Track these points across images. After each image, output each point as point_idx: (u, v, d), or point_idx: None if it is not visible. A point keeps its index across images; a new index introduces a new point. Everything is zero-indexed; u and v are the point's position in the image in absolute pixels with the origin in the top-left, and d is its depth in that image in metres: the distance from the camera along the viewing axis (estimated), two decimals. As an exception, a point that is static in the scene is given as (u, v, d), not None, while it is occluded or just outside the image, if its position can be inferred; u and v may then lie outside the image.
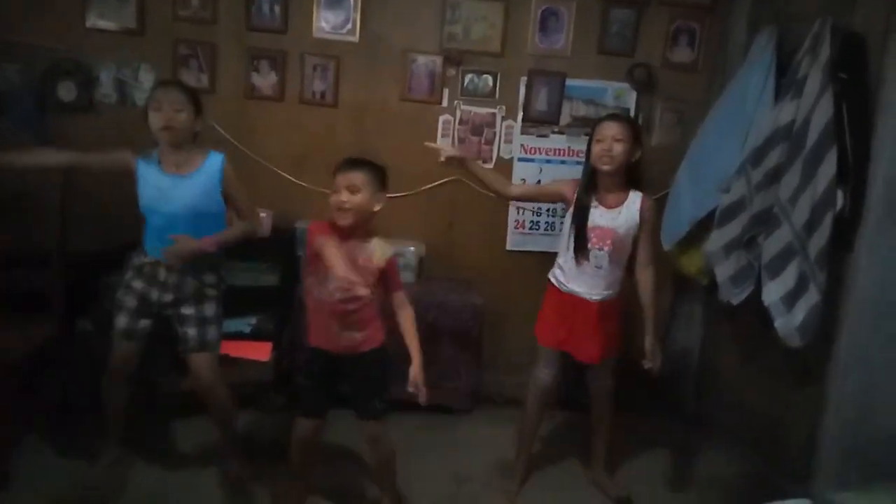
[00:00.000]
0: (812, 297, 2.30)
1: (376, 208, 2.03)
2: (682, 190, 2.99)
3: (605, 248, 2.35)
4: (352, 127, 3.19)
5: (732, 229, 2.65)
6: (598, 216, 2.36)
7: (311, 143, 3.17)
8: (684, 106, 3.28)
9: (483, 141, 3.28)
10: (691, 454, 2.95)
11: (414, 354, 2.04)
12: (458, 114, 3.24)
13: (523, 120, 3.27)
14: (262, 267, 2.97)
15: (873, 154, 2.21)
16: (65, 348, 2.65)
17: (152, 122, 2.19)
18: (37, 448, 2.49)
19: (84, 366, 2.58)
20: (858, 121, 2.27)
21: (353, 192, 1.97)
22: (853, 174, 2.25)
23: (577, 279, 2.40)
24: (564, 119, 3.27)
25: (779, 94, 2.58)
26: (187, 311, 2.28)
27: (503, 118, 3.27)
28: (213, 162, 2.27)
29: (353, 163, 2.02)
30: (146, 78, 3.02)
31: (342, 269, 1.85)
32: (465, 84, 3.22)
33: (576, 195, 2.41)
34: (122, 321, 2.29)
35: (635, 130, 2.36)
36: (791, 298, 2.36)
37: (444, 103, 3.23)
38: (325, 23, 3.11)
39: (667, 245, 3.03)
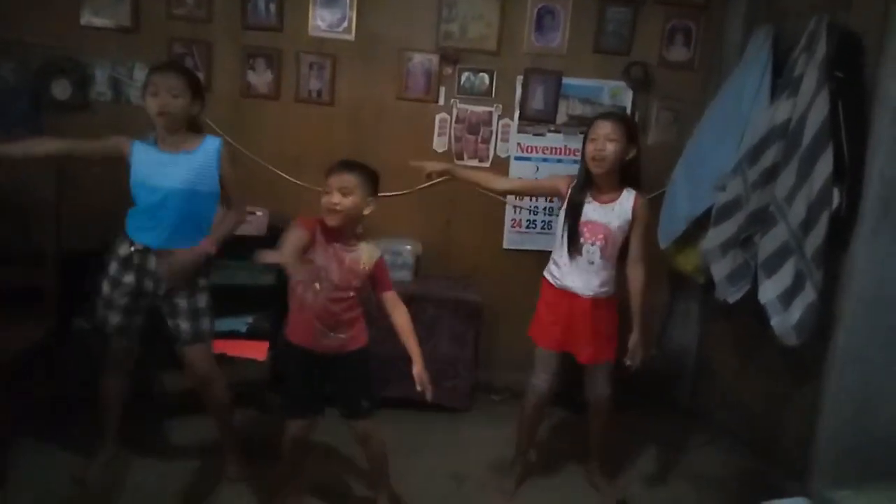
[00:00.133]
0: (808, 296, 2.30)
1: (366, 212, 2.03)
2: (678, 188, 2.99)
3: (598, 243, 2.35)
4: (348, 125, 3.19)
5: (729, 228, 2.65)
6: (591, 211, 2.36)
7: (307, 141, 3.16)
8: (680, 104, 3.28)
9: (479, 139, 3.28)
10: (688, 452, 2.96)
11: (414, 353, 2.03)
12: (455, 112, 3.24)
13: (520, 118, 3.27)
14: (259, 266, 2.94)
15: (869, 152, 2.22)
16: (60, 346, 2.63)
17: (149, 107, 2.18)
18: (33, 446, 2.48)
19: (80, 363, 2.57)
20: (854, 119, 2.28)
21: (344, 195, 1.97)
22: (849, 173, 2.26)
23: (571, 275, 2.40)
24: (561, 118, 3.28)
25: (775, 93, 2.59)
26: (180, 302, 2.25)
27: (500, 117, 3.27)
28: (212, 143, 2.27)
29: (347, 165, 2.02)
30: (141, 76, 3.00)
31: (284, 254, 1.86)
32: (462, 82, 3.21)
33: (570, 191, 2.41)
34: (114, 319, 2.27)
35: (630, 129, 2.35)
36: (787, 297, 2.37)
37: (441, 102, 3.23)
38: (320, 21, 3.10)
39: (663, 243, 3.04)
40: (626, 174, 2.37)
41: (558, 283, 2.43)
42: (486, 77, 3.22)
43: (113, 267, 2.26)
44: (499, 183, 2.64)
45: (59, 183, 2.62)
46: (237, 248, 2.56)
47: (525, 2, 3.15)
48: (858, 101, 2.29)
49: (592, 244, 2.35)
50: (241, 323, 2.97)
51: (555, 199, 2.65)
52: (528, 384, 2.50)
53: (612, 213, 2.35)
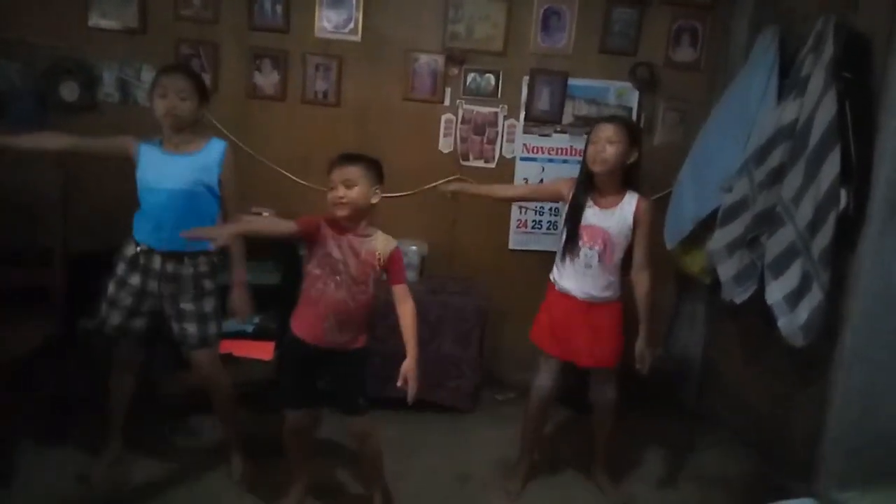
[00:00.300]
0: (815, 297, 2.29)
1: (374, 201, 2.03)
2: (684, 189, 2.99)
3: (596, 248, 2.34)
4: (354, 126, 3.19)
5: (735, 229, 2.65)
6: (592, 215, 2.35)
7: (313, 142, 3.17)
8: (687, 105, 3.28)
9: (485, 140, 3.28)
10: (694, 453, 2.95)
11: (410, 349, 2.02)
12: (461, 113, 3.24)
13: (525, 119, 3.27)
14: (265, 266, 2.96)
15: (877, 153, 2.21)
16: (66, 346, 2.64)
17: (157, 108, 2.19)
18: (38, 446, 2.49)
19: (85, 363, 2.58)
20: (862, 120, 2.27)
21: (349, 187, 1.98)
22: (856, 173, 2.25)
23: (569, 277, 2.40)
24: (567, 118, 3.27)
25: (782, 94, 2.58)
26: (187, 306, 2.26)
27: (505, 117, 3.27)
28: (216, 145, 2.28)
29: (348, 158, 2.03)
30: (148, 77, 3.01)
31: (226, 231, 1.98)
32: (468, 83, 3.22)
33: (571, 194, 2.41)
34: (115, 318, 2.27)
35: (632, 133, 2.33)
36: (794, 298, 2.36)
37: (447, 102, 3.23)
38: (327, 22, 3.11)
39: (670, 244, 3.03)
40: (627, 178, 2.36)
41: (558, 285, 2.44)
42: (491, 78, 3.22)
43: (120, 268, 2.27)
44: (506, 192, 2.80)
45: (65, 184, 2.63)
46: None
47: (531, 3, 3.15)
48: (866, 102, 2.28)
49: (591, 248, 2.35)
50: (248, 323, 2.97)
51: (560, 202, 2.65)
52: (532, 385, 2.50)
53: (612, 217, 2.33)
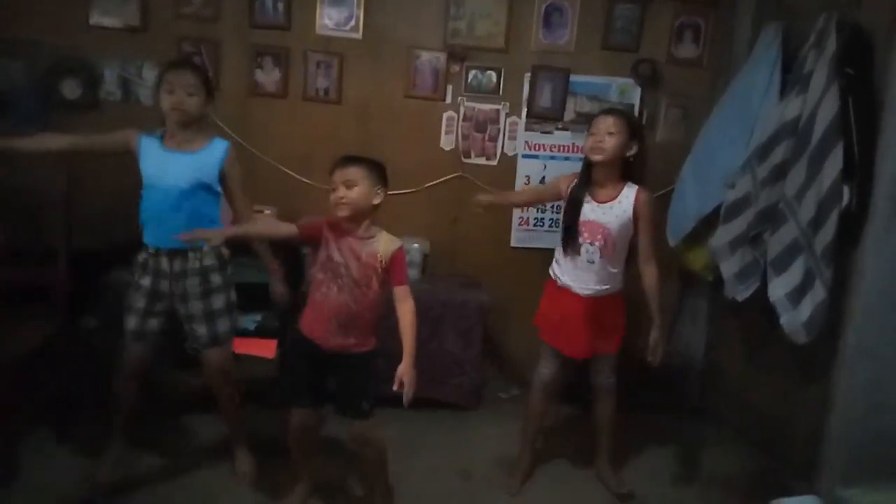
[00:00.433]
0: (818, 294, 2.29)
1: (375, 202, 2.02)
2: (687, 186, 2.98)
3: (597, 243, 2.34)
4: (355, 124, 3.19)
5: (738, 225, 2.64)
6: (590, 211, 2.35)
7: (314, 140, 3.16)
8: (689, 102, 3.27)
9: (487, 137, 3.28)
10: (696, 450, 2.95)
11: (407, 350, 2.00)
12: (462, 110, 3.24)
13: (527, 116, 3.26)
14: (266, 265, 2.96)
15: (880, 150, 2.20)
16: (69, 345, 2.65)
17: (163, 103, 2.19)
18: (41, 444, 2.50)
19: (88, 362, 2.59)
20: (865, 116, 2.26)
21: (349, 187, 1.97)
22: (859, 170, 2.24)
23: (570, 273, 2.40)
24: (568, 115, 3.27)
25: (784, 90, 2.57)
26: (195, 306, 2.27)
27: (507, 114, 3.26)
28: (219, 145, 2.28)
29: (349, 159, 2.03)
30: (150, 75, 3.02)
31: (222, 234, 2.03)
32: (469, 80, 3.21)
33: (570, 189, 2.41)
34: (131, 322, 2.28)
35: (632, 125, 2.33)
36: (797, 295, 2.36)
37: (448, 100, 3.22)
38: (328, 19, 3.11)
39: (672, 241, 3.03)
40: (627, 171, 2.35)
41: (559, 281, 2.44)
42: (493, 75, 3.21)
43: (136, 273, 2.29)
44: (518, 197, 2.96)
45: (68, 182, 2.63)
46: (244, 246, 2.58)
47: (532, -1, 3.15)
48: (868, 98, 2.27)
49: (592, 244, 2.34)
50: (250, 321, 2.98)
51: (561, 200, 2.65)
52: (535, 371, 2.51)
53: (610, 212, 2.33)
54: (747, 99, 2.72)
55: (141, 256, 2.28)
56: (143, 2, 2.99)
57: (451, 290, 3.07)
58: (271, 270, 2.47)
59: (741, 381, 3.06)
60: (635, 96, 3.26)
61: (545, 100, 3.24)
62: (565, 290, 2.41)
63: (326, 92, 3.16)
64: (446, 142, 3.26)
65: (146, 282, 2.26)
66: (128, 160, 2.27)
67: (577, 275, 2.38)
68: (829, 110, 2.26)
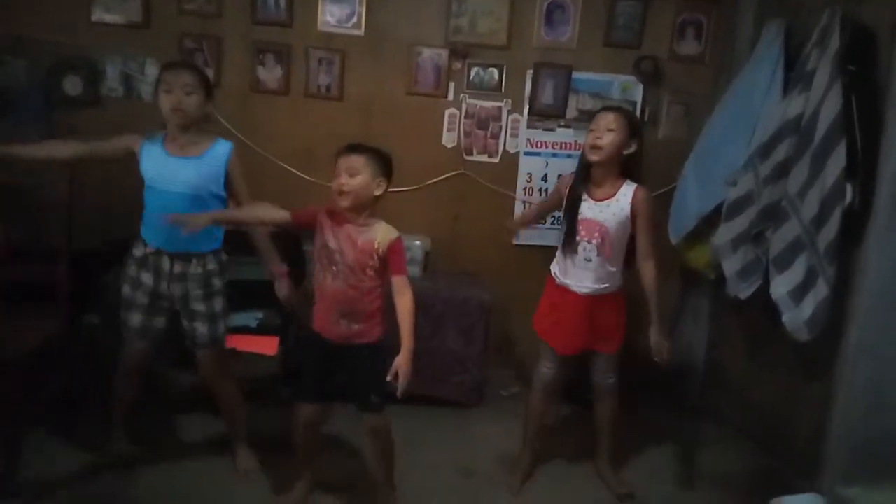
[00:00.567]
0: (821, 291, 2.28)
1: (377, 192, 2.02)
2: (689, 184, 2.98)
3: (594, 241, 2.33)
4: (357, 121, 3.19)
5: (740, 223, 2.64)
6: (587, 209, 2.34)
7: (316, 136, 3.16)
8: (691, 99, 3.26)
9: (489, 135, 3.27)
10: (698, 449, 2.94)
11: (405, 342, 1.99)
12: (464, 107, 3.23)
13: (529, 113, 3.26)
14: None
15: (883, 147, 2.19)
16: (71, 342, 2.65)
17: (162, 104, 2.17)
18: (43, 443, 2.50)
19: (90, 361, 2.59)
20: (868, 114, 2.25)
21: (351, 175, 1.98)
22: (862, 168, 2.23)
23: (569, 272, 2.40)
24: (571, 112, 3.26)
25: (787, 88, 2.57)
26: (197, 307, 2.27)
27: (509, 112, 3.26)
28: (222, 148, 2.25)
29: (353, 147, 2.03)
30: (152, 72, 3.02)
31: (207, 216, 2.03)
32: (471, 77, 3.21)
33: (567, 187, 2.41)
34: (135, 319, 2.27)
35: (632, 123, 2.32)
36: (799, 292, 2.35)
37: (450, 97, 3.22)
38: (330, 16, 3.10)
39: (674, 239, 3.02)
40: (625, 169, 2.34)
41: (558, 279, 2.43)
42: (495, 72, 3.21)
43: (131, 268, 2.27)
44: (532, 215, 2.89)
45: (71, 181, 2.63)
46: (246, 243, 2.57)
47: (534, -4, 3.14)
48: (872, 96, 2.26)
49: (589, 242, 2.34)
50: (251, 318, 2.98)
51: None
52: (535, 373, 2.50)
53: (607, 210, 2.31)
54: (750, 96, 2.72)
55: (138, 251, 2.26)
56: (145, -2, 3.00)
57: (452, 288, 3.07)
58: (277, 273, 2.40)
59: (743, 380, 3.06)
60: (637, 93, 3.26)
61: (547, 97, 3.23)
62: (564, 289, 2.41)
63: (328, 89, 3.16)
64: (448, 139, 3.26)
65: (148, 279, 2.25)
66: (132, 160, 2.27)
67: (575, 273, 2.38)
68: (832, 108, 2.26)
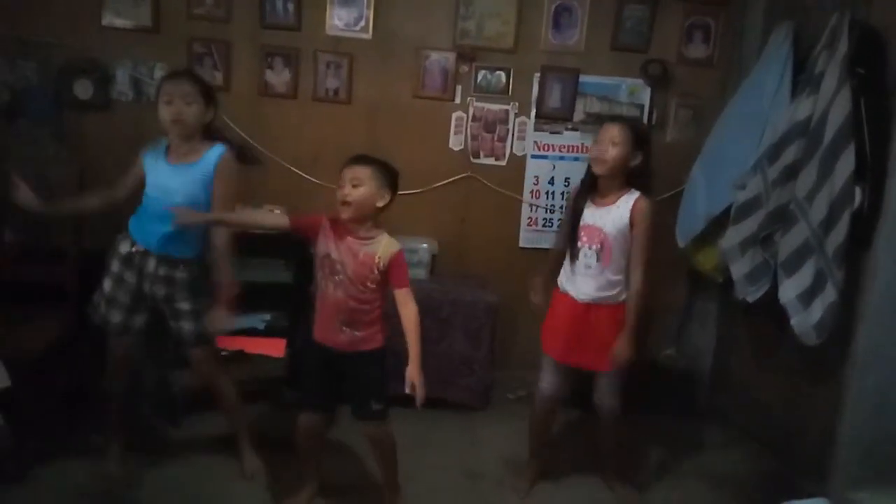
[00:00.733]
0: (829, 295, 2.27)
1: (380, 204, 2.02)
2: (697, 186, 2.97)
3: (594, 247, 2.31)
4: (365, 124, 3.20)
5: (748, 226, 2.63)
6: (589, 215, 2.33)
7: (324, 140, 3.18)
8: (699, 102, 3.26)
9: (496, 138, 3.28)
10: (706, 453, 2.93)
11: (412, 354, 1.99)
12: (471, 110, 3.24)
13: (536, 116, 3.26)
14: (276, 264, 2.98)
15: (892, 150, 2.17)
16: (81, 342, 2.67)
17: (162, 115, 2.18)
18: (52, 441, 2.51)
19: (99, 359, 2.60)
20: (876, 116, 2.24)
21: (355, 186, 1.98)
22: (871, 171, 2.23)
23: (571, 279, 2.38)
24: (578, 115, 3.26)
25: (795, 90, 2.56)
26: (183, 306, 2.26)
27: (516, 115, 3.26)
28: (213, 153, 2.23)
29: (358, 158, 2.04)
30: (161, 76, 3.03)
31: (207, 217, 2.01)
32: (479, 80, 3.21)
33: (573, 194, 2.41)
34: (116, 317, 2.27)
35: (637, 135, 2.29)
36: (808, 296, 2.34)
37: (457, 100, 3.23)
38: (338, 20, 3.12)
39: (682, 242, 3.02)
40: (631, 180, 2.31)
41: (561, 287, 2.42)
42: (502, 75, 3.21)
43: (115, 265, 2.27)
44: (556, 252, 2.53)
45: (80, 183, 2.66)
46: (255, 245, 2.59)
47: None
48: (881, 99, 2.25)
49: (590, 248, 2.32)
50: (259, 320, 3.00)
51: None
52: (537, 387, 2.48)
53: (607, 216, 2.29)
54: (758, 99, 2.71)
55: (123, 247, 2.25)
56: (155, 3, 3.02)
57: (459, 291, 3.07)
58: (224, 284, 2.19)
59: (751, 383, 3.04)
60: (645, 97, 3.25)
61: (554, 100, 3.23)
62: (565, 297, 2.39)
63: (336, 92, 3.17)
64: (455, 142, 3.27)
65: (131, 278, 2.24)
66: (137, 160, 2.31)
67: (576, 280, 2.36)
68: (840, 111, 2.25)
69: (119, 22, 3.02)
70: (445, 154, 3.27)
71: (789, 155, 2.46)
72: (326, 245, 2.04)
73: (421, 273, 3.12)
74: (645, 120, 3.25)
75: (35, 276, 2.59)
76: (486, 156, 3.29)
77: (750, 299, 2.65)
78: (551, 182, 3.31)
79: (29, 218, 2.31)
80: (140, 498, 2.31)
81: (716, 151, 2.93)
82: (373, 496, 2.37)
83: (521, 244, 3.35)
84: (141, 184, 2.26)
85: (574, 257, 2.36)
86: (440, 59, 3.17)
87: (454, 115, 3.24)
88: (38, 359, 2.40)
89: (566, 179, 3.30)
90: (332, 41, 3.14)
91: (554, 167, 3.30)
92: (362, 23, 3.12)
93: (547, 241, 3.31)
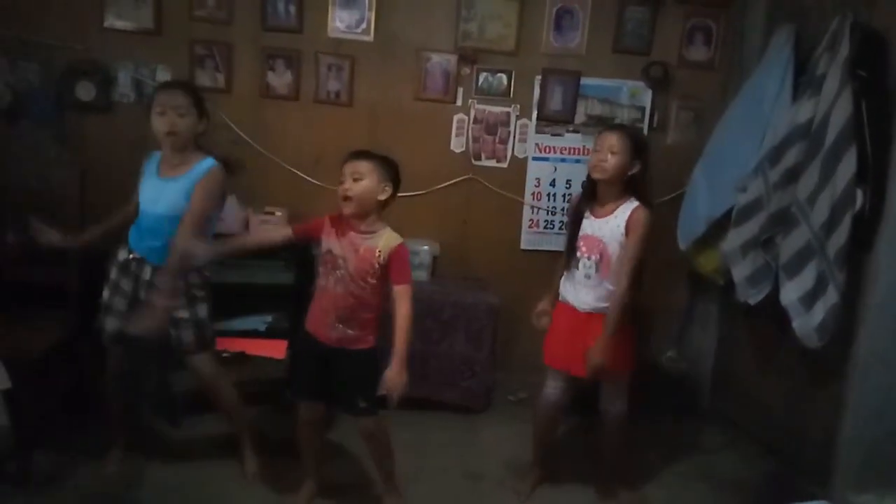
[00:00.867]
0: (831, 298, 2.27)
1: (381, 197, 2.03)
2: (698, 189, 2.97)
3: (593, 257, 2.31)
4: (366, 126, 3.20)
5: (749, 229, 2.63)
6: (588, 225, 2.34)
7: (325, 142, 3.18)
8: (700, 104, 3.26)
9: (497, 140, 3.28)
10: (707, 455, 2.93)
11: (396, 352, 1.97)
12: (473, 113, 3.24)
13: (538, 119, 3.26)
14: (278, 265, 2.98)
15: (893, 153, 2.18)
16: (82, 343, 2.67)
17: (155, 126, 2.17)
18: (55, 444, 2.52)
19: (101, 361, 2.60)
20: (878, 119, 2.24)
21: (356, 180, 1.99)
22: (873, 173, 2.23)
23: (572, 289, 2.37)
24: (579, 118, 3.26)
25: (797, 93, 2.56)
26: (182, 314, 2.25)
27: (518, 117, 3.26)
28: (201, 167, 2.21)
29: (358, 153, 2.05)
30: (163, 78, 3.04)
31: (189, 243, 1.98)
32: (480, 83, 3.21)
33: (572, 204, 2.41)
34: (111, 324, 2.27)
35: (635, 143, 2.29)
36: (809, 299, 2.34)
37: (459, 102, 3.23)
38: (339, 22, 3.12)
39: (683, 244, 3.02)
40: (629, 188, 2.30)
41: (562, 296, 2.42)
42: (504, 77, 3.21)
43: (113, 272, 2.28)
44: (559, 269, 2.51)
45: (82, 185, 2.66)
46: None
47: (543, 2, 3.15)
48: (882, 101, 2.25)
49: (589, 258, 2.32)
50: (260, 322, 2.99)
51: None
52: (541, 392, 2.48)
53: (605, 227, 2.29)
54: (759, 101, 2.71)
55: (121, 255, 2.27)
56: (156, 5, 3.02)
57: (460, 293, 3.07)
58: (164, 288, 2.09)
59: (752, 385, 3.04)
60: (646, 99, 3.25)
61: (556, 102, 3.23)
62: (566, 306, 2.40)
63: (338, 94, 3.17)
64: (456, 144, 3.27)
65: (127, 285, 2.25)
66: (140, 162, 2.32)
67: (577, 290, 2.36)
68: (842, 113, 2.25)
69: (121, 24, 3.03)
70: (447, 156, 3.27)
71: (790, 157, 2.46)
72: (328, 241, 2.05)
73: (422, 275, 3.13)
74: (646, 122, 3.26)
75: (36, 277, 2.59)
76: (487, 158, 3.29)
77: (751, 302, 2.65)
78: (553, 184, 3.31)
79: (30, 219, 2.31)
80: (140, 499, 2.31)
81: (717, 154, 2.93)
82: (373, 497, 2.37)
83: (523, 246, 3.36)
84: (134, 163, 2.29)
85: (574, 266, 2.36)
86: (442, 61, 3.18)
87: (455, 118, 3.24)
88: (40, 360, 2.40)
89: (567, 181, 3.30)
90: (334, 43, 3.14)
91: (555, 169, 3.31)
92: (364, 25, 3.13)
93: (548, 243, 3.32)
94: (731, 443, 3.03)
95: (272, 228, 2.10)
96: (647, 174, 2.33)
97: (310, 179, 3.19)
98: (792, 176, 2.45)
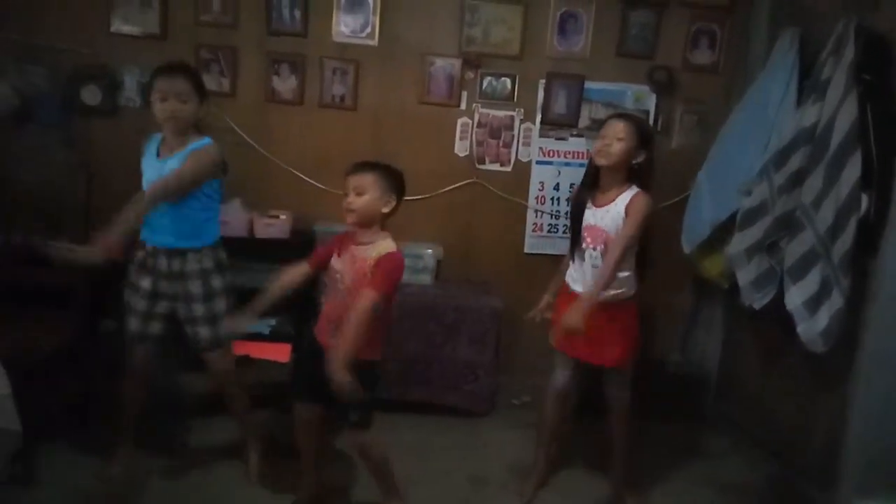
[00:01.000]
0: (836, 302, 2.26)
1: (384, 210, 2.03)
2: (702, 193, 2.97)
3: (599, 248, 2.31)
4: (370, 130, 3.21)
5: (754, 233, 2.62)
6: (591, 216, 2.34)
7: (330, 146, 3.19)
8: (705, 108, 3.26)
9: (501, 144, 3.28)
10: (712, 460, 2.92)
11: (340, 349, 1.90)
12: (477, 117, 3.25)
13: (542, 123, 3.26)
14: (282, 269, 2.98)
15: (898, 157, 2.18)
16: (89, 348, 2.68)
17: (157, 112, 2.17)
18: (60, 445, 2.53)
19: (108, 363, 2.62)
20: (883, 123, 2.24)
21: (359, 194, 1.99)
22: (878, 177, 2.22)
23: (579, 280, 2.38)
24: (583, 122, 3.27)
25: (802, 97, 2.56)
26: (198, 310, 2.27)
27: (521, 121, 3.27)
28: (198, 144, 2.21)
29: (360, 165, 2.04)
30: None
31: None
32: (484, 87, 3.22)
33: (573, 193, 2.40)
34: (133, 324, 2.29)
35: (642, 133, 2.29)
36: (814, 303, 2.33)
37: (463, 106, 3.23)
38: (344, 27, 3.13)
39: (687, 248, 3.01)
40: (632, 177, 2.30)
41: (570, 287, 2.42)
42: (508, 81, 3.22)
43: (131, 272, 2.30)
44: (561, 271, 2.54)
45: (88, 185, 2.67)
46: (260, 250, 2.59)
47: (547, 6, 3.15)
48: (887, 105, 2.25)
49: (595, 249, 2.32)
50: (264, 325, 3.00)
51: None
52: (549, 378, 2.49)
53: (607, 216, 2.29)
54: (764, 105, 2.71)
55: (139, 254, 2.28)
56: (162, 10, 3.04)
57: (464, 296, 3.07)
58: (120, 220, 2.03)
59: (757, 390, 3.03)
60: (650, 103, 3.25)
61: (560, 106, 3.24)
62: (574, 295, 2.39)
63: (342, 99, 3.18)
64: (461, 148, 3.27)
65: (146, 283, 2.27)
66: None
67: (585, 281, 2.36)
68: (847, 117, 2.25)
69: (127, 28, 3.04)
70: (451, 160, 3.28)
71: (795, 161, 2.45)
72: (333, 259, 2.10)
73: (426, 278, 3.13)
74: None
75: (44, 278, 2.61)
76: (491, 162, 3.29)
77: (756, 306, 2.65)
78: (556, 188, 3.31)
79: (36, 221, 2.32)
80: (146, 501, 2.32)
81: (721, 158, 2.93)
82: (374, 500, 2.37)
83: (527, 250, 3.36)
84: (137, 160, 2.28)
85: (581, 257, 2.36)
86: (446, 65, 3.18)
87: (459, 122, 3.25)
88: (46, 361, 2.42)
89: (571, 185, 3.30)
90: (339, 48, 3.15)
91: (559, 173, 3.31)
92: (368, 29, 3.14)
93: (552, 246, 3.32)
94: (735, 446, 3.02)
95: (290, 271, 2.12)
96: (651, 165, 2.33)
97: (314, 183, 3.20)
98: (797, 180, 2.45)
